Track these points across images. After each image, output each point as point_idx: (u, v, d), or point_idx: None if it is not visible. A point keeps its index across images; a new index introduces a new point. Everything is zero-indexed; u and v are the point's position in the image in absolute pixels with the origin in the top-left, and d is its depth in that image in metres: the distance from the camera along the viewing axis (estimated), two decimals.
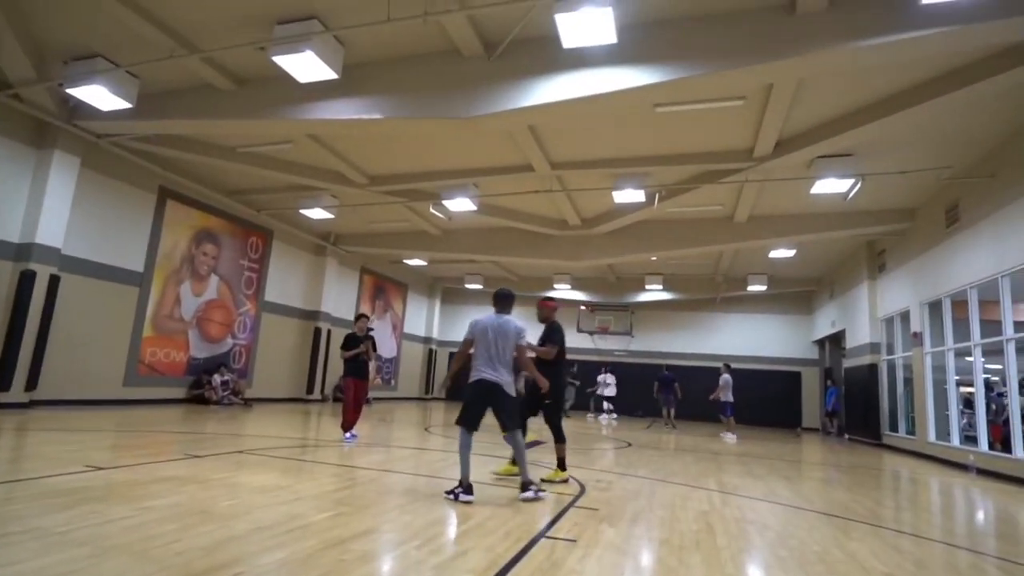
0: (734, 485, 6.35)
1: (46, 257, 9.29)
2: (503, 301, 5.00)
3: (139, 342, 11.42)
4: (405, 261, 18.88)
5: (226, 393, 12.79)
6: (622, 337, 22.54)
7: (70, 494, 3.73)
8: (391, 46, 7.48)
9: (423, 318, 23.90)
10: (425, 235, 16.19)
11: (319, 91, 7.87)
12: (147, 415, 9.37)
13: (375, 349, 8.04)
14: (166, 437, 7.14)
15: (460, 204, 11.82)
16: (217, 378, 12.78)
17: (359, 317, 8.06)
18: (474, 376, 4.61)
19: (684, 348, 21.92)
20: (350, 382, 7.80)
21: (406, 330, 22.43)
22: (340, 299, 17.99)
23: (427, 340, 23.99)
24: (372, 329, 8.24)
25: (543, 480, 5.17)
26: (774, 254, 14.78)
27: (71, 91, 7.99)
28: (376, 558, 2.85)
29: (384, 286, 20.88)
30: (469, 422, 4.56)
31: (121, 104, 8.15)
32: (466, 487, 4.31)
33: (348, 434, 7.63)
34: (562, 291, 20.86)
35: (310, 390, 16.31)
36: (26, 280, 8.99)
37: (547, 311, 6.12)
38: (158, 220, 11.83)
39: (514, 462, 4.75)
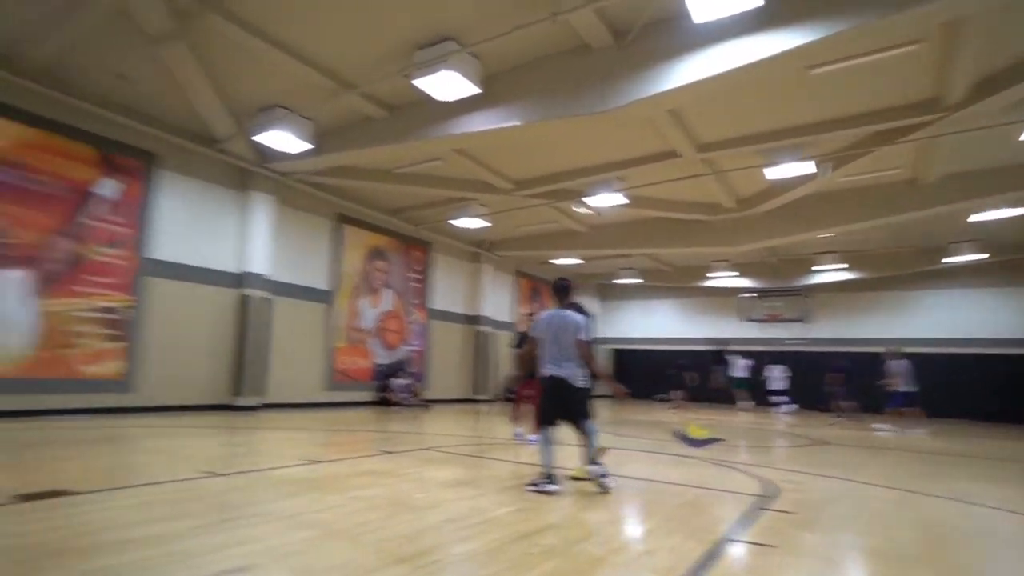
0: (960, 490, 5.48)
1: (257, 283, 10.91)
2: (562, 292, 4.87)
3: (332, 352, 12.91)
4: (557, 261, 19.12)
5: (406, 395, 13.95)
6: (795, 324, 20.61)
7: (294, 483, 4.31)
8: (522, 52, 7.60)
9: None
10: (573, 234, 16.24)
11: (461, 107, 8.25)
12: (344, 416, 10.53)
13: None
14: (362, 435, 7.95)
15: (605, 199, 11.67)
16: (397, 382, 14.00)
17: (528, 316, 8.21)
18: (543, 373, 4.62)
19: (874, 333, 19.16)
20: (518, 380, 7.98)
21: None
22: (498, 303, 18.72)
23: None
24: (522, 332, 8.31)
25: (573, 478, 4.78)
26: (980, 216, 12.45)
27: (262, 139, 9.28)
28: (560, 553, 2.89)
29: (538, 287, 21.34)
30: (544, 419, 4.58)
31: (301, 146, 9.30)
32: (548, 477, 4.33)
33: (528, 434, 7.64)
34: (722, 279, 19.68)
35: (478, 390, 17.19)
36: (244, 303, 10.67)
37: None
38: (338, 243, 13.28)
39: (593, 461, 4.50)
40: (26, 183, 8.26)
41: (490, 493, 4.26)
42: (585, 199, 11.92)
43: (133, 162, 9.49)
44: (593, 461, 4.46)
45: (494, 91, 8.07)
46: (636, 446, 7.57)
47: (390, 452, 6.26)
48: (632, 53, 7.09)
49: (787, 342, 20.68)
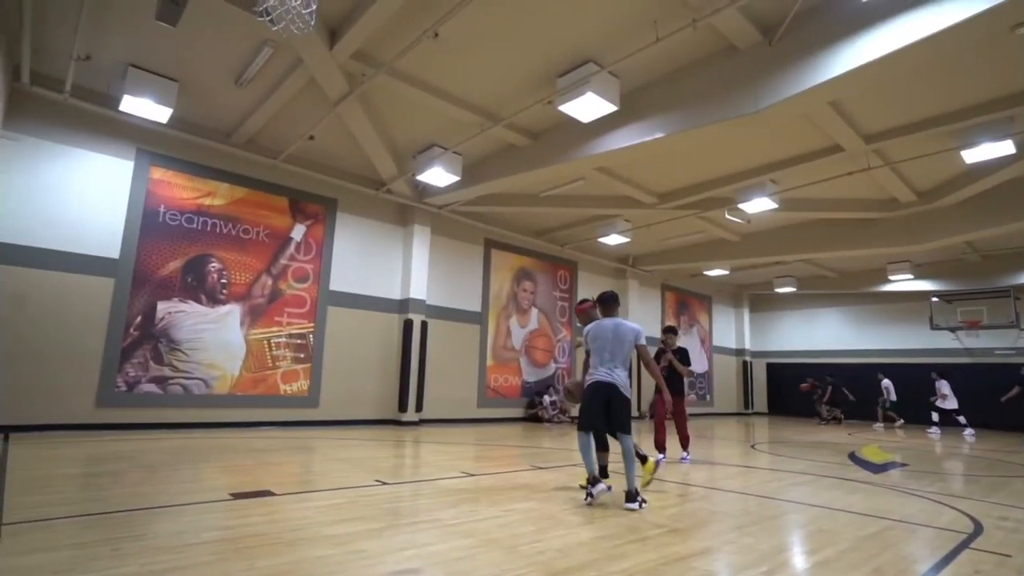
0: None
1: (418, 308, 11.85)
2: (610, 304, 4.91)
3: (485, 370, 13.51)
4: (705, 273, 18.21)
5: (555, 412, 14.10)
6: (1003, 332, 17.34)
7: (453, 494, 4.58)
8: (663, 63, 7.47)
9: (732, 329, 22.54)
10: (723, 243, 15.39)
11: (601, 125, 8.31)
12: (496, 431, 10.93)
13: (685, 363, 7.68)
14: (514, 451, 8.19)
15: (758, 204, 10.92)
16: (546, 399, 14.22)
17: (666, 329, 7.91)
18: (590, 379, 4.59)
19: None
20: (658, 398, 7.69)
21: (715, 343, 21.46)
22: (645, 318, 18.27)
23: (739, 352, 22.47)
24: (664, 342, 7.81)
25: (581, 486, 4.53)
26: None
27: (420, 178, 10.14)
28: None
29: (687, 300, 20.47)
30: (586, 425, 4.50)
31: (452, 179, 9.99)
32: (592, 480, 4.34)
33: (660, 455, 7.32)
34: (903, 282, 17.26)
35: None
36: (407, 327, 11.62)
37: (584, 316, 5.35)
38: (487, 267, 13.96)
39: (632, 496, 4.21)
40: (241, 233, 9.89)
41: (642, 512, 4.15)
42: (735, 206, 11.26)
43: (318, 208, 10.92)
44: (632, 497, 4.23)
45: (634, 106, 8.02)
46: (801, 468, 6.88)
47: (541, 467, 6.37)
48: (784, 47, 6.63)
49: (996, 352, 17.47)
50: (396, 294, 11.95)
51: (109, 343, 8.40)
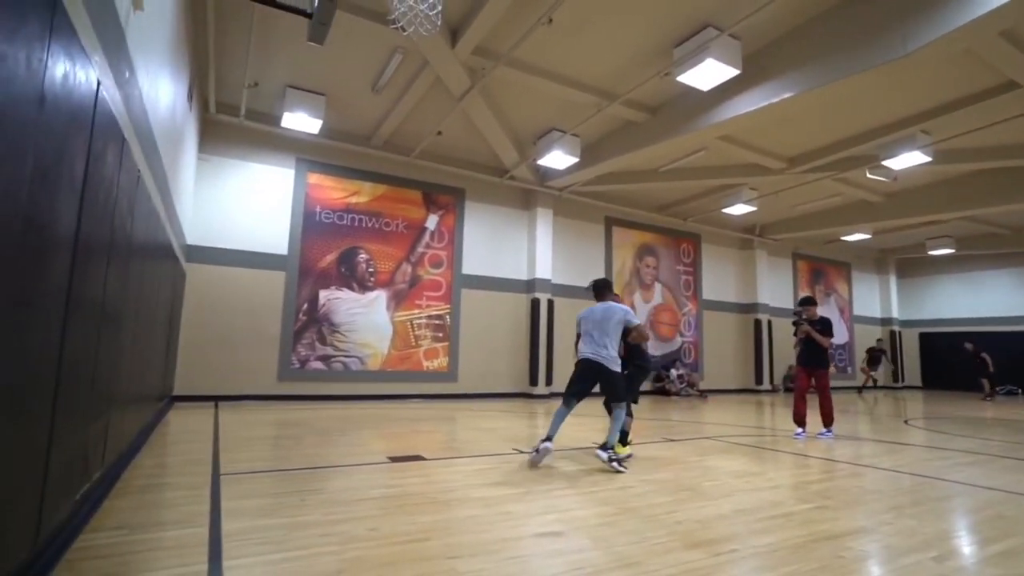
0: None
1: (543, 287, 11.99)
2: (601, 291, 5.09)
3: None
4: (843, 238, 16.39)
5: (683, 385, 13.61)
6: None
7: (587, 463, 4.59)
8: (789, 17, 6.75)
9: (876, 297, 20.13)
10: (864, 205, 13.71)
11: (723, 92, 7.73)
12: None
13: (827, 334, 6.96)
14: (643, 423, 8.03)
15: (906, 160, 9.56)
16: (673, 372, 13.76)
17: (803, 301, 7.24)
18: (578, 356, 4.84)
19: None
20: (797, 370, 7.12)
21: (856, 312, 19.33)
22: (776, 289, 16.94)
23: (886, 321, 20.04)
24: (799, 314, 7.13)
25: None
26: None
27: (540, 162, 10.17)
28: (883, 562, 2.48)
29: (822, 269, 18.61)
30: (566, 396, 4.78)
31: (571, 161, 9.89)
32: (545, 439, 4.49)
33: (799, 430, 6.77)
34: None
35: (759, 380, 15.80)
36: (534, 306, 11.81)
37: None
38: (608, 244, 13.71)
39: (604, 446, 4.52)
40: (383, 226, 10.63)
41: (784, 487, 3.89)
42: (878, 164, 9.97)
43: (448, 198, 11.40)
44: (604, 446, 4.49)
45: (757, 67, 7.37)
46: (969, 447, 5.99)
47: (672, 440, 6.20)
48: None
49: None
50: (523, 275, 12.17)
51: (284, 327, 9.50)
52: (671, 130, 8.84)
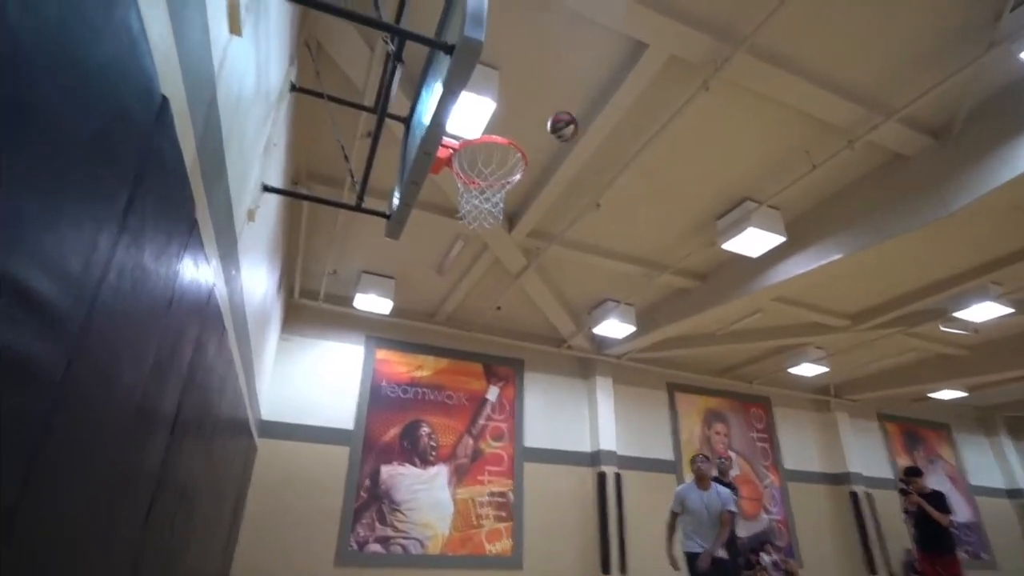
0: None
1: (609, 459, 11.35)
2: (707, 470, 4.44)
3: None
4: (932, 396, 15.08)
5: (778, 574, 11.82)
6: None
7: None
8: (826, 185, 7.15)
9: (992, 464, 17.55)
10: (945, 360, 12.82)
11: (772, 256, 7.93)
12: None
13: (943, 510, 6.05)
14: None
15: (982, 311, 9.13)
16: (765, 558, 12.05)
17: (908, 471, 6.42)
18: (693, 549, 4.17)
19: None
20: (919, 556, 6.08)
21: (975, 482, 16.74)
22: (867, 456, 15.25)
23: (1013, 493, 17.12)
24: (904, 488, 6.29)
25: None
26: None
27: (596, 331, 10.37)
28: None
29: (916, 431, 16.82)
30: None
31: (627, 329, 10.05)
32: None
33: None
34: None
35: (871, 568, 13.50)
36: (600, 480, 11.09)
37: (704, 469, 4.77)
38: (673, 412, 13.15)
39: None
40: (445, 399, 10.77)
41: None
42: (950, 316, 9.54)
43: (508, 370, 11.58)
44: None
45: (803, 232, 7.62)
46: None
47: None
48: (967, 142, 5.96)
49: None
50: (586, 446, 11.67)
51: (346, 504, 9.25)
52: (723, 296, 8.98)
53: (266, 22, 2.97)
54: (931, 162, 6.30)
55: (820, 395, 15.18)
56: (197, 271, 2.52)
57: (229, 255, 3.37)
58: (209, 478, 4.03)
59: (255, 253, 4.63)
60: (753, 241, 7.21)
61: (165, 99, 1.67)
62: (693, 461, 4.88)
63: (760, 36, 4.85)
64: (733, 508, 4.22)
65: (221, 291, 3.27)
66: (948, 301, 9.35)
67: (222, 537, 6.13)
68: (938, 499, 5.94)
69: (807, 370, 12.57)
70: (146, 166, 1.60)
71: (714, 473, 4.88)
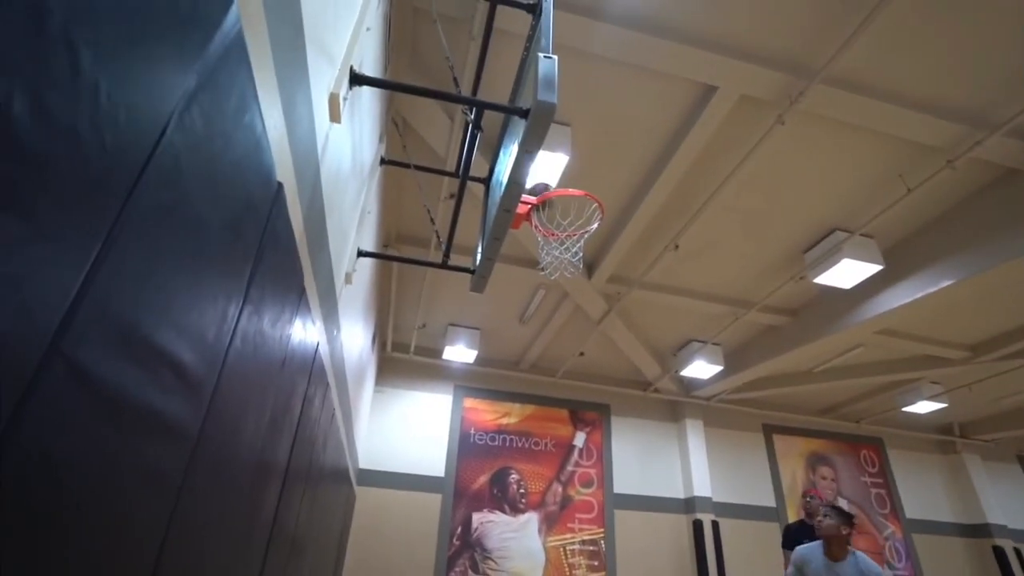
0: None
1: (704, 506, 10.59)
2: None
3: None
4: None
5: None
6: None
7: None
8: (922, 211, 6.57)
9: None
10: None
11: (867, 288, 7.32)
12: None
13: None
14: None
15: None
16: None
17: None
18: None
19: None
20: None
21: None
22: (1011, 504, 13.22)
23: None
24: None
25: None
26: None
27: (683, 373, 9.92)
28: None
29: None
30: None
31: (715, 369, 9.53)
32: None
33: None
34: None
35: None
36: (697, 528, 10.32)
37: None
38: (771, 454, 12.14)
39: None
40: (532, 446, 10.62)
41: None
42: None
43: (594, 415, 11.28)
44: None
45: (904, 258, 6.99)
46: None
47: None
48: None
49: None
50: (679, 493, 10.98)
51: (439, 553, 9.21)
52: (817, 331, 8.33)
53: (360, 107, 3.25)
54: None
55: (942, 435, 13.46)
56: (304, 333, 2.71)
57: (331, 316, 3.60)
58: (315, 526, 4.18)
59: (352, 312, 4.91)
60: (847, 272, 6.70)
61: (280, 185, 1.86)
62: (805, 497, 4.03)
63: (835, 66, 4.66)
64: None
65: (324, 349, 3.48)
66: None
67: None
68: None
69: (923, 407, 11.23)
70: (265, 244, 1.77)
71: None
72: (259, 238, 1.71)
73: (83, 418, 0.84)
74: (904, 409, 11.43)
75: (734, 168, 5.73)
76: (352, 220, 3.82)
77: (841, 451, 12.78)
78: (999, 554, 12.08)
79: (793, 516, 11.50)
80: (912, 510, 12.59)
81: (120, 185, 0.87)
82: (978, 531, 12.57)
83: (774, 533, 11.19)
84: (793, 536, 5.65)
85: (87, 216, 0.79)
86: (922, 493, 12.91)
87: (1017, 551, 12.17)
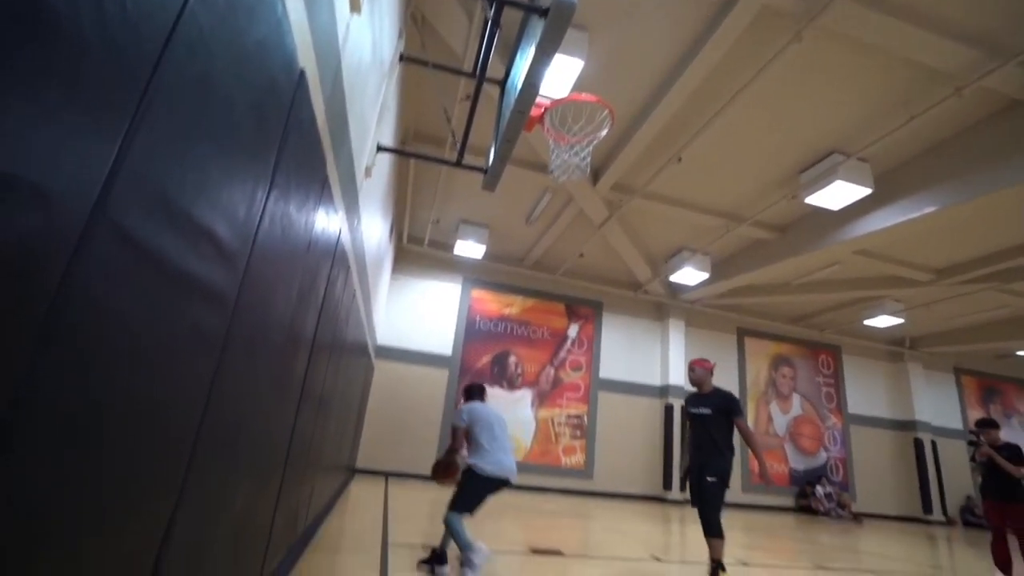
0: None
1: (676, 394, 11.21)
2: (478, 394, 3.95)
3: (747, 456, 11.76)
4: (1019, 353, 13.28)
5: (832, 505, 11.36)
6: None
7: None
8: (916, 140, 6.21)
9: None
10: None
11: (855, 210, 7.14)
12: (764, 520, 9.23)
13: (1016, 462, 5.35)
14: (788, 543, 6.77)
15: None
16: (820, 489, 11.60)
17: (981, 422, 5.64)
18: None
19: None
20: (986, 504, 5.41)
21: None
22: (937, 407, 13.95)
23: None
24: (977, 437, 5.51)
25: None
26: None
27: (672, 278, 9.99)
28: None
29: (996, 386, 15.04)
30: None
31: (701, 277, 9.59)
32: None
33: None
34: None
35: (927, 508, 12.62)
36: (667, 411, 11.04)
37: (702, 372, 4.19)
38: (742, 354, 12.61)
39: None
40: (530, 334, 11.01)
41: None
42: None
43: (588, 310, 11.57)
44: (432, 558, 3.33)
45: (892, 184, 6.76)
46: None
47: (825, 568, 5.09)
48: None
49: None
50: (656, 381, 11.58)
51: (445, 418, 9.93)
52: (801, 247, 8.27)
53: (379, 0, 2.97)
54: None
55: (894, 346, 13.86)
56: (328, 220, 2.69)
57: (352, 207, 3.56)
58: (339, 389, 4.46)
59: (372, 205, 4.85)
60: (838, 194, 6.50)
61: (302, 71, 1.74)
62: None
63: None
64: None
65: (346, 237, 3.49)
66: None
67: (349, 437, 6.84)
68: (1012, 451, 5.22)
69: (882, 322, 11.46)
70: (289, 131, 1.70)
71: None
72: (283, 123, 1.64)
73: (129, 276, 0.85)
74: (865, 322, 11.68)
75: (744, 84, 5.34)
76: (372, 114, 3.65)
77: (803, 355, 13.25)
78: (918, 445, 12.99)
79: (753, 407, 12.21)
80: (855, 406, 13.32)
81: (147, 55, 0.81)
82: (905, 426, 13.38)
83: None
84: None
85: (117, 84, 0.75)
86: (866, 393, 13.57)
87: (934, 443, 13.06)
